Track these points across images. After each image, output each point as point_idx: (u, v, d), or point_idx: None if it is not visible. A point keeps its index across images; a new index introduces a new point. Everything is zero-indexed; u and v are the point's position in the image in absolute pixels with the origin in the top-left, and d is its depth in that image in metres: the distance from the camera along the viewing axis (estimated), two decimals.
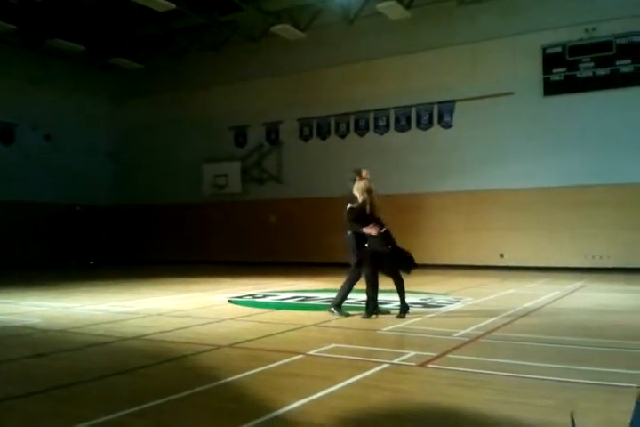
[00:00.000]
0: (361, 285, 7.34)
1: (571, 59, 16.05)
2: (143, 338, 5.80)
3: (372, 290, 7.11)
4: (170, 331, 6.20)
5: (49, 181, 20.74)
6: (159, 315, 7.52)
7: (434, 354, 4.82)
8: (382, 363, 4.52)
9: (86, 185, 22.26)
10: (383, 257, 7.09)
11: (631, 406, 3.30)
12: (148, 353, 5.10)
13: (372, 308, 7.13)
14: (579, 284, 11.82)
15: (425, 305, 8.38)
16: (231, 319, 7.08)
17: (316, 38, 19.07)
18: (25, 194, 19.85)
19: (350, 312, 7.30)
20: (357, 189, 7.24)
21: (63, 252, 20.69)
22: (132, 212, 23.09)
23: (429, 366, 4.45)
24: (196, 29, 20.63)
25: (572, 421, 2.49)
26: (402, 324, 6.55)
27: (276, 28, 18.41)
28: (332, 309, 7.30)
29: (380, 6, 16.58)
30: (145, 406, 3.43)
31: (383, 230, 7.10)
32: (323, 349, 5.08)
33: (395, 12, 16.99)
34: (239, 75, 20.90)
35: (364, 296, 7.28)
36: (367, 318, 7.04)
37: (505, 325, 6.46)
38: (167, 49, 21.83)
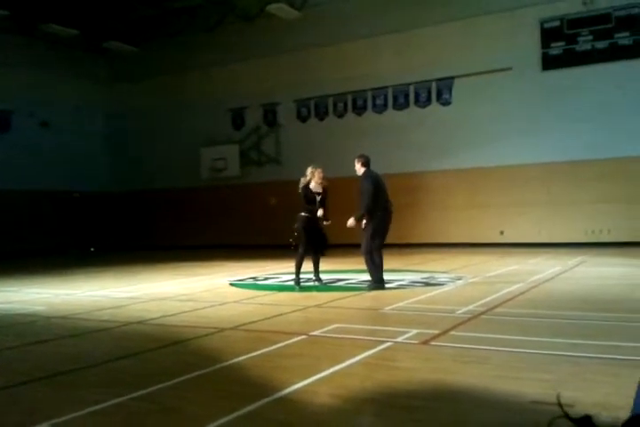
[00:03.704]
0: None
1: (569, 32, 15.87)
2: (147, 322, 5.80)
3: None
4: (173, 315, 6.21)
5: (47, 169, 20.64)
6: (162, 299, 7.53)
7: (436, 332, 4.82)
8: (385, 342, 4.52)
9: (84, 172, 22.16)
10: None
11: (636, 379, 3.30)
12: (152, 337, 5.11)
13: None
14: (580, 259, 11.82)
15: (426, 284, 8.39)
16: (234, 302, 7.09)
17: (312, 17, 18.85)
18: (23, 182, 19.77)
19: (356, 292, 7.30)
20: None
21: (64, 239, 20.70)
22: (131, 197, 23.06)
23: (432, 343, 4.46)
24: (190, 10, 20.38)
25: (559, 403, 2.50)
26: (403, 302, 6.56)
27: (272, 8, 18.18)
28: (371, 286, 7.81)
29: None
30: (149, 389, 3.43)
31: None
32: (325, 329, 5.09)
33: None
34: (235, 56, 20.70)
35: (364, 276, 7.28)
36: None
37: (507, 301, 6.46)
38: (162, 31, 21.57)
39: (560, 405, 2.47)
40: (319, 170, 8.27)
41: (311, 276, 8.58)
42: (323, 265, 8.77)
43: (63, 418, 2.98)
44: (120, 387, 3.52)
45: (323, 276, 8.64)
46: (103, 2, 19.61)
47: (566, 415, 2.42)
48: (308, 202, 8.17)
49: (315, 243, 8.23)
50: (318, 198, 8.20)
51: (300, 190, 8.26)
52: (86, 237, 21.57)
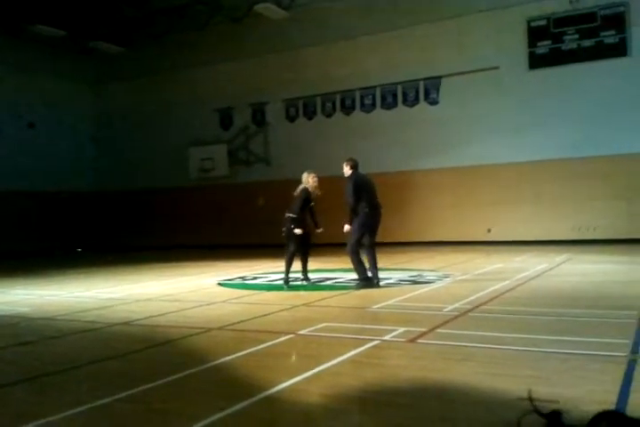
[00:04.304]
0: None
1: (555, 31, 15.95)
2: (132, 323, 5.77)
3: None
4: (159, 315, 6.18)
5: (34, 170, 20.48)
6: (148, 300, 7.49)
7: (423, 329, 4.83)
8: (373, 340, 4.53)
9: (72, 172, 22.03)
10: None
11: (622, 375, 3.32)
12: (138, 338, 5.08)
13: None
14: (565, 256, 11.88)
15: (414, 282, 8.41)
16: (221, 302, 7.07)
17: (300, 17, 18.80)
18: (10, 183, 19.62)
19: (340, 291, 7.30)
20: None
21: (50, 240, 20.55)
22: (119, 198, 22.92)
23: (419, 341, 4.47)
24: (177, 10, 20.27)
25: (530, 397, 2.53)
26: (391, 301, 6.56)
27: (259, 8, 18.12)
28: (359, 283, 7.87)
29: None
30: (135, 390, 3.41)
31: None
32: (313, 328, 5.08)
33: None
34: (223, 56, 20.63)
35: (352, 275, 7.30)
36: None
37: (494, 298, 6.48)
38: (148, 31, 21.43)
39: (530, 400, 2.51)
40: (313, 175, 8.34)
41: (299, 275, 8.58)
42: (311, 264, 8.77)
43: (50, 419, 2.96)
44: (107, 388, 3.50)
45: (311, 275, 8.66)
46: (90, 2, 19.46)
47: (536, 411, 2.46)
48: (304, 206, 8.20)
49: (303, 243, 8.29)
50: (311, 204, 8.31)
51: (298, 193, 8.26)
52: (73, 237, 21.42)
